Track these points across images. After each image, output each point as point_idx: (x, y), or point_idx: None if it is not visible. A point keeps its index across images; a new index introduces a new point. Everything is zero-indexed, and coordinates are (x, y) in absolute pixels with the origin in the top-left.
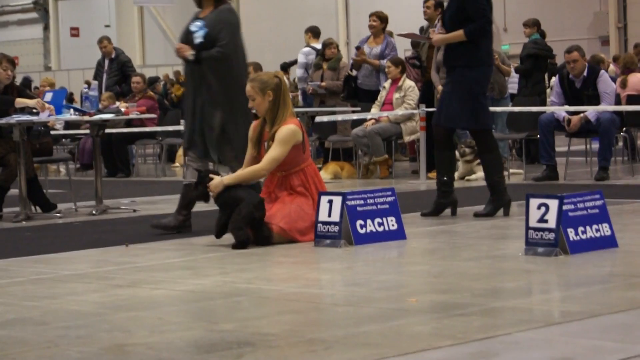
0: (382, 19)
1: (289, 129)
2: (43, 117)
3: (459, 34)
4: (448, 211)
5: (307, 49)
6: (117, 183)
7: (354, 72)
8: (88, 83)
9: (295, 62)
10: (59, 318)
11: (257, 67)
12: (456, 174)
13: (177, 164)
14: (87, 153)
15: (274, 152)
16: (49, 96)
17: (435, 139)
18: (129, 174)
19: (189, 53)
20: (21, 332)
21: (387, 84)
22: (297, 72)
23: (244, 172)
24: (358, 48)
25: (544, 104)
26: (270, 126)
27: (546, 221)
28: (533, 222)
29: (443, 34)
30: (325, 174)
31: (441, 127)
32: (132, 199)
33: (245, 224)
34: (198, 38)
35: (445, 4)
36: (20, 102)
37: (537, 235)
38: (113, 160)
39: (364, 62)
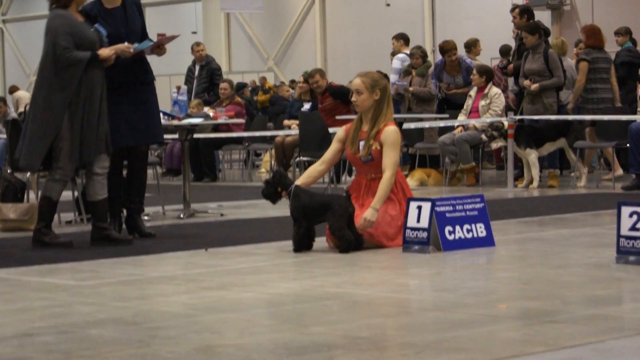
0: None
1: (396, 132)
2: None
3: None
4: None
5: (403, 55)
6: (204, 188)
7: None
8: (178, 88)
9: None
10: (149, 318)
11: (322, 74)
12: (523, 183)
13: (263, 170)
14: (175, 157)
15: (393, 156)
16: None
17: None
18: (215, 179)
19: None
20: (112, 332)
21: (473, 92)
22: (391, 77)
23: (383, 188)
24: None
25: (634, 112)
26: (370, 125)
27: (638, 229)
28: (625, 231)
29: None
30: (411, 181)
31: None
32: (218, 203)
33: (344, 223)
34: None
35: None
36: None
37: (628, 243)
38: (200, 165)
39: (456, 94)
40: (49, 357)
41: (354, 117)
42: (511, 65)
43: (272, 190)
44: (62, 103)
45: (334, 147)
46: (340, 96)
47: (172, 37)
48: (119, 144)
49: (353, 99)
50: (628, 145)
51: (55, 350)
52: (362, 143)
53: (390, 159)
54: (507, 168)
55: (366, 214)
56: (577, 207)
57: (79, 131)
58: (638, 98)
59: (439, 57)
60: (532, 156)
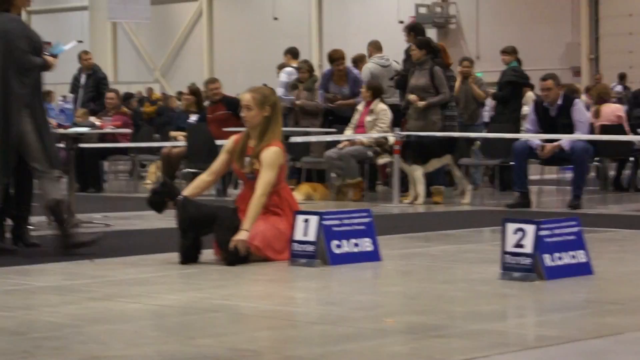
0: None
1: (275, 152)
2: None
3: None
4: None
5: (290, 69)
6: (89, 198)
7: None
8: (64, 97)
9: None
10: (34, 329)
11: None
12: (409, 198)
13: (149, 181)
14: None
15: (267, 177)
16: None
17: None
18: (100, 189)
19: None
20: None
21: (360, 106)
22: (278, 91)
23: (253, 209)
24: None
25: (519, 131)
26: (257, 142)
27: (522, 246)
28: (509, 247)
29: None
30: (297, 195)
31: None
32: (104, 214)
33: (231, 235)
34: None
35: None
36: None
37: (513, 260)
38: (84, 175)
39: (342, 106)
40: None
41: (243, 129)
42: (397, 77)
43: (159, 200)
44: (23, 107)
45: (221, 158)
46: (234, 107)
47: (75, 43)
48: None
49: (242, 114)
50: (512, 163)
51: None
52: (247, 159)
53: (262, 179)
54: (393, 183)
55: (237, 236)
56: (462, 224)
57: (47, 133)
58: (521, 118)
59: (326, 68)
60: (417, 172)
